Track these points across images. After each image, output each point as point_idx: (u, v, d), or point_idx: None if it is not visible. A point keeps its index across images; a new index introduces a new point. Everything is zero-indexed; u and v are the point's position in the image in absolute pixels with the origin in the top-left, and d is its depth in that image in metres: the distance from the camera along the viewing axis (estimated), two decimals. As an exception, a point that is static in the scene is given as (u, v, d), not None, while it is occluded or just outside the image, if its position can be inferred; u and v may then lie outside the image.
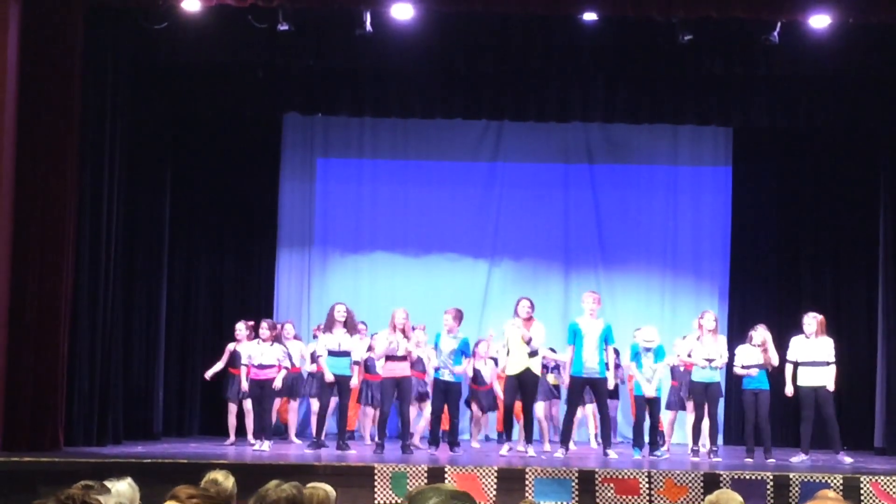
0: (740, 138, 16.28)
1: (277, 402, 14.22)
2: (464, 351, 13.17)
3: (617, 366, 14.17)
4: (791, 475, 10.93)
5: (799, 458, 12.55)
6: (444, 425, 13.45)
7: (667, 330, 15.09)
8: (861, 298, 15.31)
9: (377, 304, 15.85)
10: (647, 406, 13.19)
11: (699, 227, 16.59)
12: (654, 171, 16.62)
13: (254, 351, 13.14)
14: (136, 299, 14.20)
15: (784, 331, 15.34)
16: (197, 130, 15.55)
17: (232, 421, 14.18)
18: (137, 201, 13.99)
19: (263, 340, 13.14)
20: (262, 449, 12.68)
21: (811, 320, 12.94)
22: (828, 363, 12.80)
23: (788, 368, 12.97)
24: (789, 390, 12.95)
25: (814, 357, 12.79)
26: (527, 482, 10.71)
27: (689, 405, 13.92)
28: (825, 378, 12.78)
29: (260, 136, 16.14)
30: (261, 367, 13.06)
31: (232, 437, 14.05)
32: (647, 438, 13.30)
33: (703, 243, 16.56)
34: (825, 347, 12.85)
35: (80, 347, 12.37)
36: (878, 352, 14.41)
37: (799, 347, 12.91)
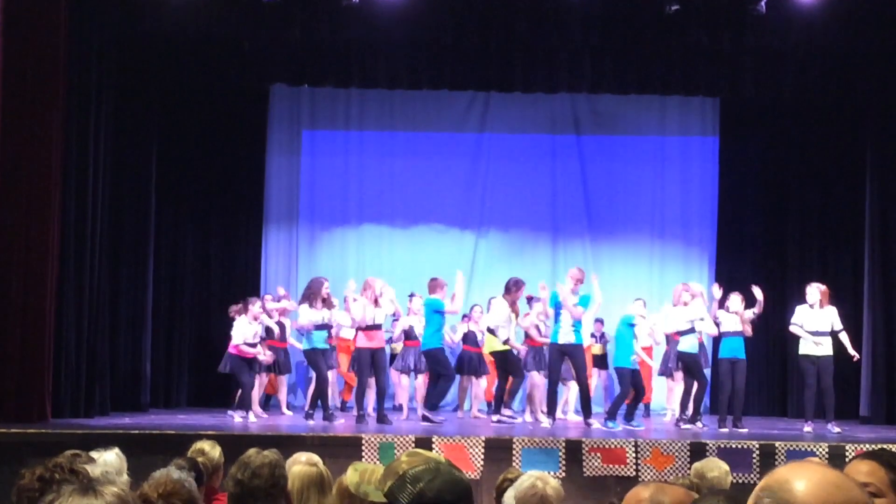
0: (727, 109, 16.30)
1: (264, 376, 14.29)
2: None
3: (602, 335, 14.30)
4: (777, 444, 11.01)
5: (808, 429, 12.56)
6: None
7: (655, 299, 15.17)
8: (847, 267, 15.37)
9: (365, 276, 15.84)
10: (630, 377, 13.16)
11: (686, 197, 16.62)
12: (641, 142, 16.64)
13: (247, 331, 13.24)
14: (122, 272, 14.19)
15: (771, 298, 15.43)
16: (183, 103, 15.47)
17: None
18: (123, 174, 13.96)
19: (255, 319, 13.30)
20: (238, 420, 12.74)
21: (814, 290, 12.87)
22: (831, 332, 12.79)
23: (798, 331, 12.90)
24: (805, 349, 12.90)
25: (817, 327, 12.77)
26: (514, 452, 10.76)
27: (677, 375, 14.05)
28: (828, 348, 12.78)
29: (246, 109, 16.07)
30: (249, 345, 13.23)
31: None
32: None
33: (690, 213, 16.61)
34: (829, 317, 12.84)
35: (66, 320, 12.35)
36: (864, 321, 14.46)
37: (803, 316, 12.88)
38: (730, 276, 15.98)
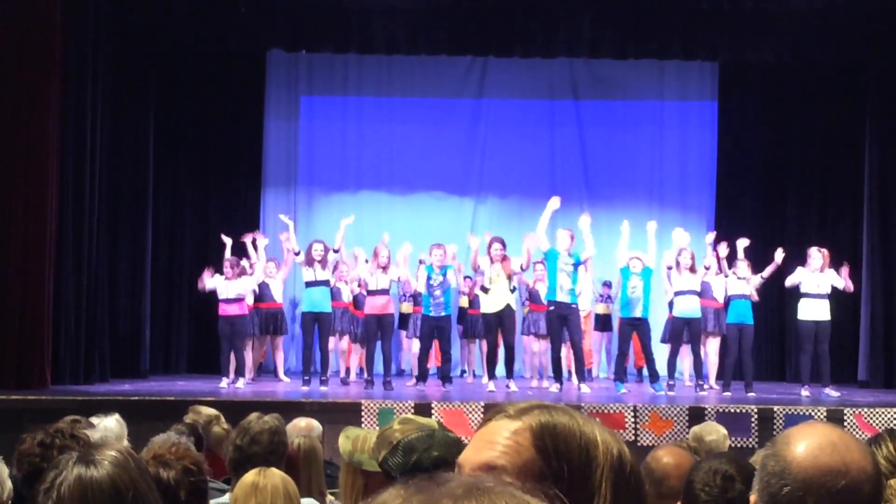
0: (727, 73, 16.23)
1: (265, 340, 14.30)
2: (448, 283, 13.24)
3: (609, 297, 14.30)
4: (775, 408, 11.03)
5: (805, 393, 12.61)
6: (432, 361, 13.53)
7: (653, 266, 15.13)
8: (846, 232, 15.35)
9: (363, 242, 15.83)
10: (634, 331, 13.09)
11: (685, 162, 16.59)
12: (639, 107, 16.58)
13: (220, 287, 13.17)
14: (121, 238, 14.18)
15: (770, 262, 15.44)
16: (180, 69, 15.40)
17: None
18: (121, 140, 13.91)
19: (227, 279, 13.14)
20: (238, 386, 12.77)
21: (817, 254, 12.84)
22: (829, 295, 12.80)
23: (792, 282, 12.95)
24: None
25: (817, 290, 12.78)
26: (513, 417, 10.77)
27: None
28: (826, 312, 12.79)
29: (244, 74, 16.02)
30: (227, 301, 13.08)
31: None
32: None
33: (688, 178, 16.58)
34: (828, 279, 12.82)
35: (65, 286, 12.35)
36: (862, 285, 14.47)
37: (802, 277, 12.86)
38: (729, 241, 15.97)
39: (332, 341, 13.68)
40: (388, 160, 16.46)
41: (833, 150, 15.49)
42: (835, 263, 13.00)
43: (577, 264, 12.83)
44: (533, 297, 14.00)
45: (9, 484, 3.79)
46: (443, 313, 13.02)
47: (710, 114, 16.47)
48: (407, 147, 16.44)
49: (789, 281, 12.99)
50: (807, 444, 1.91)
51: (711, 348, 13.65)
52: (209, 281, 13.36)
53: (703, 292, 13.20)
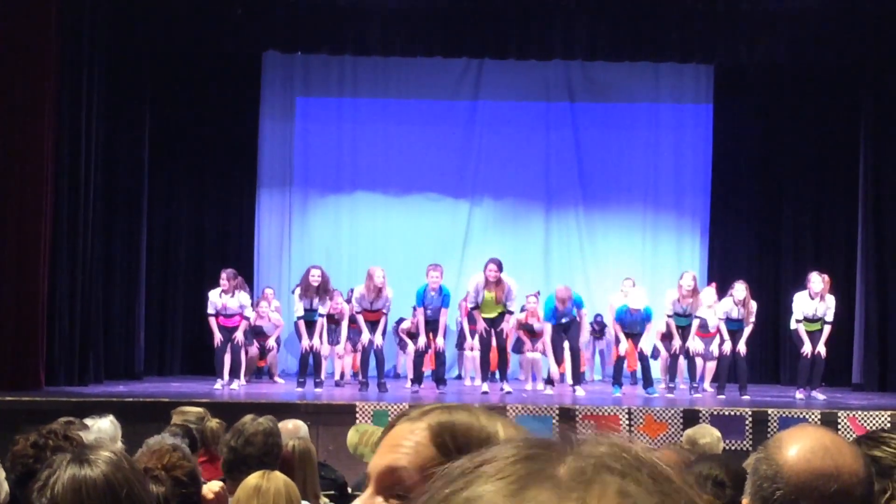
0: (721, 75, 16.22)
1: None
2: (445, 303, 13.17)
3: (603, 326, 14.36)
4: (769, 411, 11.05)
5: (800, 396, 12.68)
6: (428, 365, 13.53)
7: (648, 268, 15.16)
8: (840, 234, 15.35)
9: (358, 244, 15.86)
10: (630, 338, 13.08)
11: (680, 164, 16.56)
12: (635, 109, 16.55)
13: (217, 301, 13.15)
14: (115, 239, 14.18)
15: (764, 269, 15.44)
16: (176, 68, 15.38)
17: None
18: (116, 141, 13.93)
19: (224, 292, 13.12)
20: (232, 388, 12.80)
21: (818, 279, 12.81)
22: (827, 322, 12.79)
23: (801, 328, 12.86)
24: (807, 349, 12.77)
25: (816, 314, 12.77)
26: (508, 419, 10.77)
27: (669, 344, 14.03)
28: (818, 323, 12.80)
29: (239, 75, 15.99)
30: (226, 316, 13.10)
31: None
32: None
33: (684, 181, 16.55)
34: (826, 306, 12.79)
35: (60, 288, 12.35)
36: (857, 288, 14.49)
37: (803, 305, 12.83)
38: (724, 244, 16.00)
39: (326, 345, 13.66)
40: (384, 162, 16.42)
41: (828, 153, 15.50)
42: (810, 265, 13.04)
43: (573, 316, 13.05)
44: (526, 328, 13.98)
45: (6, 486, 3.79)
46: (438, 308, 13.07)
47: (705, 116, 16.45)
48: (402, 149, 16.40)
49: (797, 317, 12.94)
50: (799, 447, 1.92)
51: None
52: (211, 295, 13.29)
53: (701, 326, 13.21)
